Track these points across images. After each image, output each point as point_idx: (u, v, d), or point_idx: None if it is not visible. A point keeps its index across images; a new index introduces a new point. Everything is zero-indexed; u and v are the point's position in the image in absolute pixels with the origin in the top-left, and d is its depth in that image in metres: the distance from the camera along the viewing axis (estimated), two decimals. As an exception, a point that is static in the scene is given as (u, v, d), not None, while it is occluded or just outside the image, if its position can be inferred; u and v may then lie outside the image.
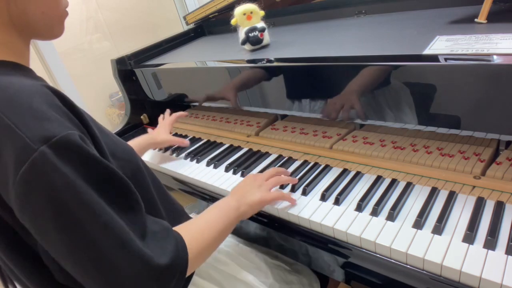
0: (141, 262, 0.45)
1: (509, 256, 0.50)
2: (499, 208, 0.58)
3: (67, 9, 0.56)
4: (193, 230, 0.58)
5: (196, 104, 1.29)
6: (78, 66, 2.05)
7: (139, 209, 0.50)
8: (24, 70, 0.52)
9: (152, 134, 1.03)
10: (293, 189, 0.76)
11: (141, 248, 0.46)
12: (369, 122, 0.75)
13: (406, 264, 0.56)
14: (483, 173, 0.66)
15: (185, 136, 1.18)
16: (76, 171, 0.42)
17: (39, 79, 0.52)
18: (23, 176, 0.40)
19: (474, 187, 0.64)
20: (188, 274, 0.52)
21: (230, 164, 0.92)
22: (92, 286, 0.46)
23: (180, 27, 2.23)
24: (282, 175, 0.75)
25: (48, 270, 0.50)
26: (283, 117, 1.08)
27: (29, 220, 0.43)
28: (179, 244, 0.52)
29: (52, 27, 0.54)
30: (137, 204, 0.50)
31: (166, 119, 1.08)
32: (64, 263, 0.45)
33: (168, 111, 1.14)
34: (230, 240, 0.82)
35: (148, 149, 1.02)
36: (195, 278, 0.66)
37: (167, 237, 0.51)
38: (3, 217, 0.47)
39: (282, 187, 0.78)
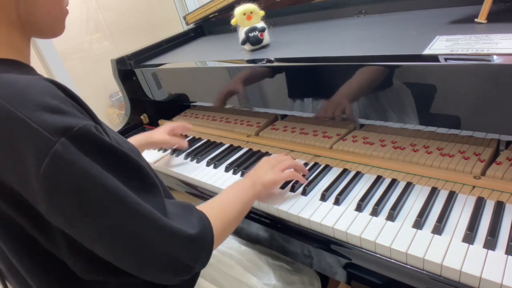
0: (172, 235, 0.48)
1: (509, 256, 0.50)
2: (499, 208, 0.58)
3: (67, 7, 0.56)
4: (214, 208, 0.61)
5: (196, 104, 1.29)
6: (78, 66, 2.05)
7: (158, 191, 0.51)
8: (26, 68, 0.52)
9: (149, 133, 1.00)
10: (293, 189, 0.76)
11: (170, 223, 0.48)
12: (369, 122, 0.75)
13: (406, 264, 0.56)
14: (483, 173, 0.66)
15: (185, 136, 1.18)
16: (96, 160, 0.44)
17: (41, 76, 0.52)
18: (47, 169, 0.41)
19: (474, 187, 0.64)
20: (214, 248, 0.56)
21: (230, 164, 0.92)
22: (128, 265, 0.48)
23: (180, 27, 2.23)
24: (298, 163, 0.76)
25: (57, 269, 0.50)
26: (283, 117, 1.08)
27: (58, 211, 0.43)
28: (204, 219, 0.55)
29: (54, 25, 0.54)
30: (156, 186, 0.51)
31: (169, 123, 1.06)
32: (96, 248, 0.47)
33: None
34: (233, 243, 0.82)
35: (145, 148, 1.00)
36: (199, 280, 0.66)
37: (190, 213, 0.54)
38: (11, 215, 0.46)
39: (283, 187, 0.77)
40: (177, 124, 1.04)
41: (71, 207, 0.43)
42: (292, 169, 0.75)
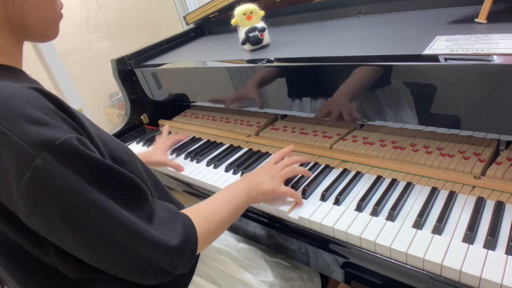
0: (153, 245, 0.48)
1: (509, 256, 0.50)
2: (499, 208, 0.58)
3: (62, 11, 0.56)
4: (202, 211, 0.61)
5: (196, 104, 1.29)
6: (78, 66, 2.05)
7: (144, 198, 0.52)
8: (15, 72, 0.51)
9: (148, 153, 1.00)
10: (293, 189, 0.76)
11: (152, 233, 0.48)
12: (369, 122, 0.75)
13: (406, 264, 0.56)
14: (483, 173, 0.66)
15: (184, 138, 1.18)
16: (78, 173, 0.43)
17: (31, 81, 0.51)
18: (28, 182, 0.41)
19: (474, 187, 0.64)
20: (198, 252, 0.56)
21: (230, 164, 0.92)
22: (109, 269, 0.49)
23: (180, 27, 2.23)
24: (297, 167, 0.75)
25: (46, 275, 0.51)
26: (283, 117, 1.08)
27: (39, 223, 0.44)
28: (188, 225, 0.55)
29: (47, 29, 0.54)
30: (142, 194, 0.51)
31: (165, 140, 1.04)
32: (79, 255, 0.47)
33: (166, 128, 1.11)
34: (230, 240, 0.82)
35: None
36: (195, 278, 0.66)
37: (174, 220, 0.54)
38: (3, 228, 0.47)
39: (286, 183, 0.77)
40: (173, 139, 1.05)
41: (52, 219, 0.43)
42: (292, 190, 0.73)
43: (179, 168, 0.97)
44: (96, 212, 0.44)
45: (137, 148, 1.19)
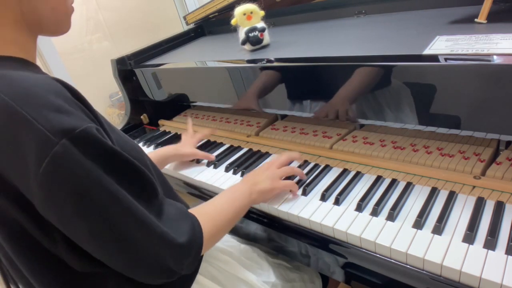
0: (162, 241, 0.49)
1: (509, 256, 0.50)
2: (499, 208, 0.58)
3: (72, 5, 0.57)
4: (207, 212, 0.62)
5: (196, 104, 1.29)
6: (78, 66, 2.05)
7: (155, 193, 0.52)
8: (32, 66, 0.53)
9: (177, 146, 0.98)
10: (293, 189, 0.76)
11: (162, 228, 0.49)
12: (369, 122, 0.75)
13: (406, 264, 0.56)
14: (483, 173, 0.66)
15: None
16: (96, 162, 0.44)
17: (46, 74, 0.52)
18: (46, 169, 0.41)
19: (474, 187, 0.64)
20: (202, 253, 0.56)
21: (230, 164, 0.92)
22: (115, 264, 0.49)
23: (180, 27, 2.23)
24: (295, 167, 0.76)
25: (57, 266, 0.51)
26: (283, 117, 1.08)
27: (53, 210, 0.44)
28: (195, 225, 0.56)
29: (60, 22, 0.55)
30: (153, 189, 0.52)
31: (193, 136, 1.02)
32: (88, 247, 0.47)
33: (190, 124, 1.07)
34: (232, 241, 0.82)
35: (171, 160, 0.98)
36: (198, 277, 0.66)
37: (183, 218, 0.55)
38: (11, 212, 0.47)
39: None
40: (201, 134, 1.03)
41: (67, 207, 0.43)
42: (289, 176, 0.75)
43: (209, 157, 0.96)
44: (109, 201, 0.45)
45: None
